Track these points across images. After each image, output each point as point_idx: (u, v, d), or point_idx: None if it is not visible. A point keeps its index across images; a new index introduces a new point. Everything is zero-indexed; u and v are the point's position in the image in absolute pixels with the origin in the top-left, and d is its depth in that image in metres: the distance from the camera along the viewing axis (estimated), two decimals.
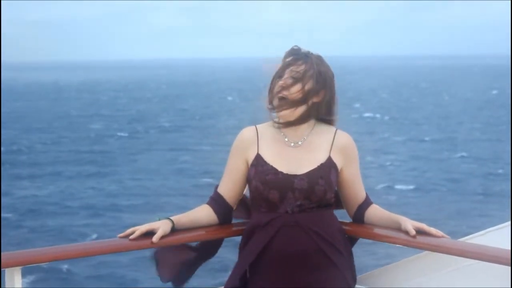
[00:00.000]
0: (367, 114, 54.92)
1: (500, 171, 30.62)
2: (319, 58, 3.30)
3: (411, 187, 27.14)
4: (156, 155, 36.89)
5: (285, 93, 3.19)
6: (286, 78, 3.21)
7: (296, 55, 3.26)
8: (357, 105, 63.66)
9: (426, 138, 42.23)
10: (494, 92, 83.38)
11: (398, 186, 26.79)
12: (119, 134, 46.10)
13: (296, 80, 3.19)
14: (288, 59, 3.27)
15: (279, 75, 3.25)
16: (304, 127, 3.27)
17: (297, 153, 3.24)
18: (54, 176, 30.65)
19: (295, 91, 3.19)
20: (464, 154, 35.60)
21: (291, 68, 3.22)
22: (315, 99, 3.24)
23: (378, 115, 55.71)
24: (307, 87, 3.20)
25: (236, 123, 50.27)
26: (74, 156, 36.19)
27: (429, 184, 28.18)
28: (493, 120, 52.08)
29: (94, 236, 20.44)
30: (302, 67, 3.22)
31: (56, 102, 74.72)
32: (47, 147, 40.01)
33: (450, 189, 27.33)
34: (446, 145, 39.28)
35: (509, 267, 2.89)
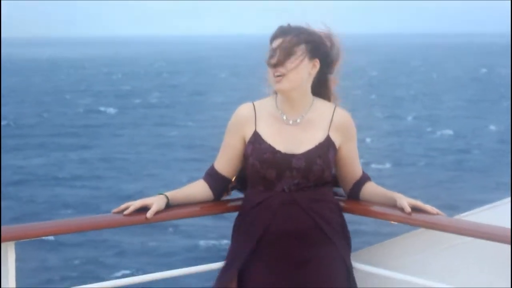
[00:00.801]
0: (354, 92, 55.45)
1: (476, 151, 31.36)
2: (308, 28, 3.26)
3: (388, 165, 27.77)
4: (142, 129, 37.62)
5: (281, 70, 3.16)
6: (279, 55, 3.17)
7: (283, 31, 3.22)
8: (346, 82, 64.10)
9: (409, 115, 43.06)
10: (483, 70, 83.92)
11: (373, 165, 27.35)
12: (107, 109, 46.75)
13: (288, 54, 3.16)
14: (277, 37, 3.22)
15: (270, 54, 3.20)
16: (302, 104, 3.24)
17: (295, 131, 3.22)
18: (40, 149, 31.41)
19: (290, 64, 3.16)
20: (444, 131, 36.37)
21: (283, 44, 3.17)
22: (312, 71, 3.23)
23: (365, 93, 56.31)
24: (300, 58, 3.18)
25: (224, 100, 51.01)
26: (61, 130, 36.89)
27: (406, 159, 28.96)
28: (477, 97, 52.85)
29: (69, 211, 21.06)
30: (294, 41, 3.18)
31: (49, 77, 75.18)
32: (35, 121, 40.76)
33: (427, 163, 28.13)
34: (428, 122, 40.07)
35: (505, 245, 2.90)
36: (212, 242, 17.57)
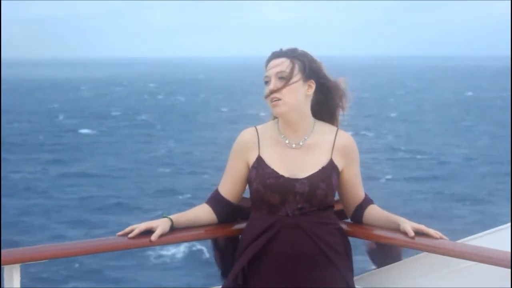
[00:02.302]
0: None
1: (441, 169, 32.30)
2: (302, 51, 3.27)
3: None
4: (126, 148, 38.82)
5: (278, 96, 3.16)
6: (275, 82, 3.19)
7: (278, 55, 3.24)
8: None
9: (388, 135, 44.43)
10: (469, 93, 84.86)
11: None
12: (94, 129, 47.89)
13: (286, 80, 3.17)
14: (271, 61, 3.25)
15: (266, 80, 3.22)
16: (303, 127, 3.24)
17: (298, 155, 3.21)
18: (22, 165, 32.74)
19: (287, 91, 3.17)
20: (416, 150, 37.54)
21: (277, 69, 3.20)
22: (308, 92, 3.23)
23: (350, 112, 57.28)
24: (297, 83, 3.19)
25: (212, 120, 52.28)
26: (44, 149, 38.09)
27: (372, 174, 30.12)
28: (456, 120, 54.00)
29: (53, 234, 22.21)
30: (287, 64, 3.20)
31: (44, 98, 76.23)
32: (21, 139, 41.95)
33: (390, 179, 29.39)
34: (404, 141, 41.34)
35: (508, 269, 2.89)
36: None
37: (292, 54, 3.22)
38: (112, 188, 27.33)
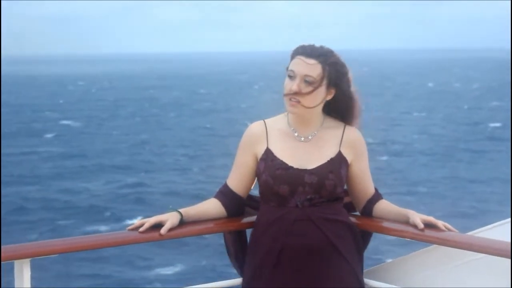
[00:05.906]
0: None
1: (385, 157, 33.92)
2: (335, 57, 3.16)
3: None
4: (108, 138, 41.35)
5: (299, 99, 3.11)
6: (300, 83, 3.11)
7: (310, 54, 3.13)
8: None
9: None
10: (457, 84, 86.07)
11: None
12: (76, 122, 49.96)
13: (312, 88, 3.10)
14: (300, 56, 3.14)
15: (290, 74, 3.13)
16: (314, 123, 3.20)
17: (307, 148, 3.18)
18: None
19: (310, 97, 3.11)
20: (369, 134, 39.57)
21: (306, 71, 3.10)
22: (327, 98, 3.17)
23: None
24: (321, 91, 3.12)
25: (188, 114, 54.35)
26: (23, 142, 40.10)
27: None
28: (422, 109, 55.64)
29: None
30: (318, 71, 3.10)
31: (37, 94, 77.76)
32: (9, 130, 44.46)
33: None
34: (363, 130, 43.52)
35: None
36: None
37: (325, 60, 3.13)
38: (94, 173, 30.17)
